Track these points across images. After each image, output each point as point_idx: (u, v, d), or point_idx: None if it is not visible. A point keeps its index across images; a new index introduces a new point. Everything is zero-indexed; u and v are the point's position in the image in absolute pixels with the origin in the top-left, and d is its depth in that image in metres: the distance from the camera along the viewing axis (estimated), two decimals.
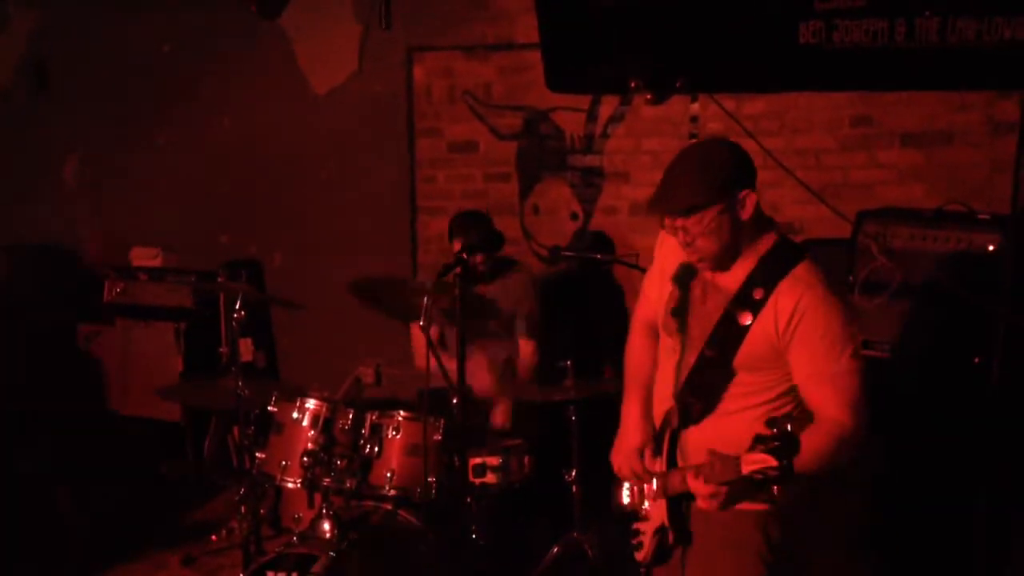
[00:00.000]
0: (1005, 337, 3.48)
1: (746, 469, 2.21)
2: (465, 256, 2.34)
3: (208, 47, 5.90)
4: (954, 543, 3.63)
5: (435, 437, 3.70)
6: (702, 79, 3.34)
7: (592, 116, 5.25)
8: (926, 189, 4.69)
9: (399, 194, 5.68)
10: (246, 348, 5.43)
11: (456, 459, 3.68)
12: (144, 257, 5.99)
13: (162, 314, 5.59)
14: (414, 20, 5.35)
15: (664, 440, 2.71)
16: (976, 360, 3.55)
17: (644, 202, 5.16)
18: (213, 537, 4.69)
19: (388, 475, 3.69)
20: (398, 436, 3.73)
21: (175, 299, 5.59)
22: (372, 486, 3.72)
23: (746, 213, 2.51)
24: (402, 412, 3.76)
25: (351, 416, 3.78)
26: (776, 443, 2.17)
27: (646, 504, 2.77)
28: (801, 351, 2.46)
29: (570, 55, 3.40)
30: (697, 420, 2.62)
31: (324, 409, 3.80)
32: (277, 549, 3.53)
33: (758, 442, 2.20)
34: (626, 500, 2.85)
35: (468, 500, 3.74)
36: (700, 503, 2.45)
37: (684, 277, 2.70)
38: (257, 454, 3.93)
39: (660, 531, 2.72)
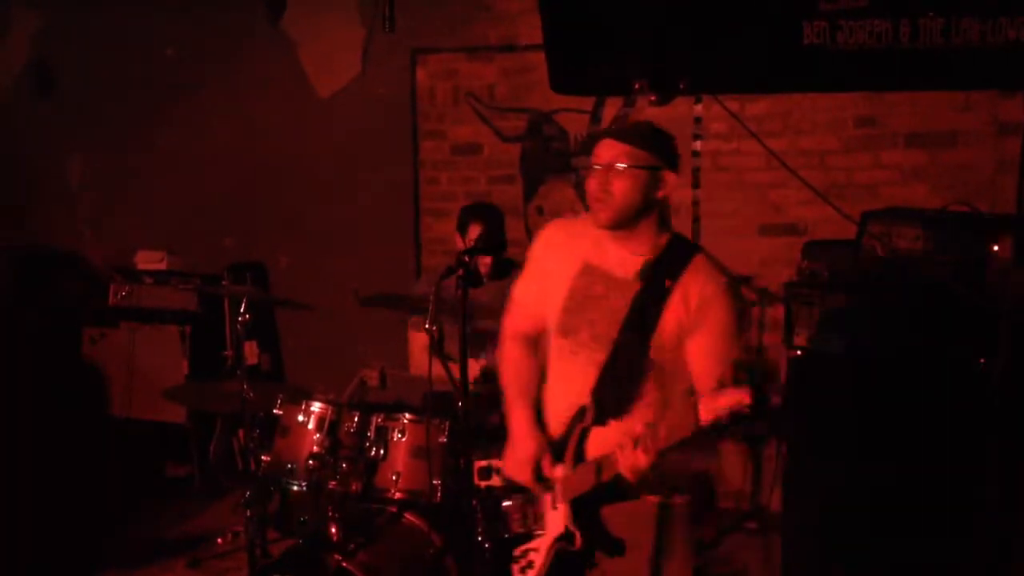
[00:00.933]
0: (1010, 338, 3.47)
1: (707, 417, 2.13)
2: (467, 258, 2.33)
3: (211, 50, 5.91)
4: (957, 545, 3.62)
5: (440, 439, 3.69)
6: (706, 80, 3.34)
7: (596, 118, 5.25)
8: (930, 189, 4.69)
9: (403, 196, 5.69)
10: (251, 351, 5.42)
11: (461, 461, 3.67)
12: (149, 260, 5.99)
13: (167, 317, 5.59)
14: (417, 22, 5.35)
15: (571, 441, 2.67)
16: (981, 361, 3.54)
17: None
18: (219, 540, 4.70)
19: (393, 478, 3.68)
20: (403, 439, 3.73)
21: (180, 302, 5.60)
22: (377, 488, 3.71)
23: (662, 192, 2.60)
24: (407, 415, 3.76)
25: (356, 419, 3.78)
26: (745, 374, 2.10)
27: (538, 521, 2.73)
28: (705, 335, 2.54)
29: (574, 56, 3.39)
30: (616, 415, 2.60)
31: (329, 412, 3.80)
32: (283, 552, 3.53)
33: (722, 385, 2.13)
34: (511, 525, 2.80)
35: (474, 503, 3.73)
36: (633, 477, 2.38)
37: (583, 276, 2.70)
38: (263, 457, 3.93)
39: (561, 539, 2.67)
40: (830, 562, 3.80)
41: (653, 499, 2.61)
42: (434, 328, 3.73)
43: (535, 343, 2.83)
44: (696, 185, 5.12)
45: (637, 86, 3.30)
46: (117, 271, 5.88)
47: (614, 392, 2.61)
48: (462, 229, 4.30)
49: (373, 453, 3.72)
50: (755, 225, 5.03)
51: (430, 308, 3.67)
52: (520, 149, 5.46)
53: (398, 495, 3.69)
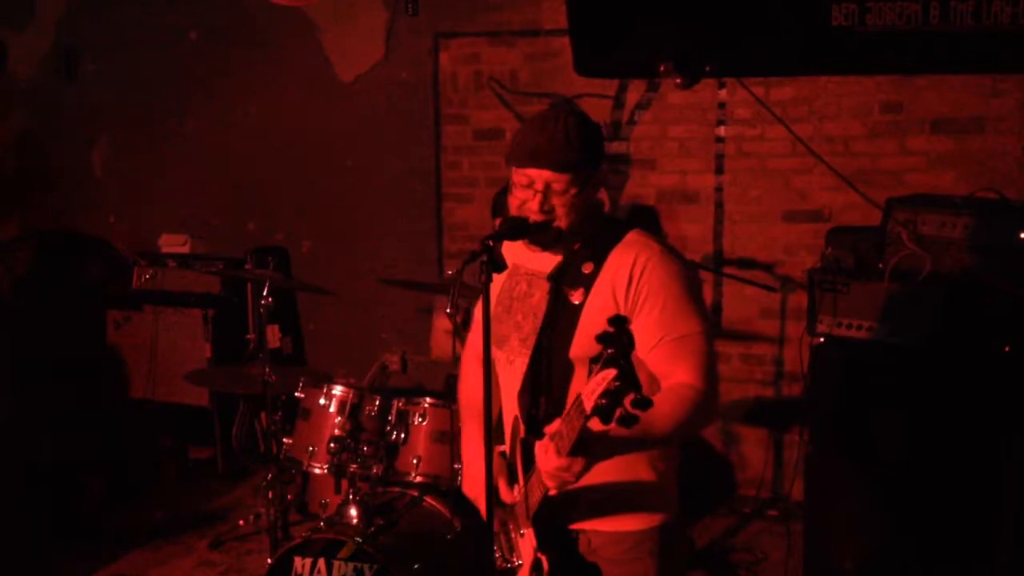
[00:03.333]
0: None
1: (590, 403, 1.89)
2: (491, 243, 2.30)
3: (235, 35, 5.92)
4: (979, 531, 3.60)
5: (460, 424, 3.69)
6: (733, 63, 3.31)
7: (619, 103, 5.22)
8: (956, 176, 4.64)
9: (425, 181, 5.68)
10: (273, 335, 5.45)
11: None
12: (172, 244, 6.03)
13: (190, 301, 5.62)
14: (440, 6, 5.34)
15: (516, 457, 2.43)
16: (1006, 349, 3.51)
17: (671, 189, 5.19)
18: (240, 522, 4.73)
19: (414, 461, 3.69)
20: (424, 423, 3.73)
21: (203, 286, 5.62)
22: (398, 472, 3.72)
23: (600, 191, 2.40)
24: (429, 399, 3.77)
25: (378, 402, 3.79)
26: (609, 351, 1.86)
27: (513, 552, 2.48)
28: (646, 317, 2.27)
29: (599, 38, 3.37)
30: (545, 423, 2.23)
31: (351, 395, 3.81)
32: (304, 534, 3.54)
33: (593, 364, 1.90)
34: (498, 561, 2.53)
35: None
36: (550, 483, 2.14)
37: (511, 277, 2.51)
38: (284, 440, 3.95)
39: (533, 570, 2.40)
40: (852, 550, 3.78)
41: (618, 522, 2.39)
42: (456, 312, 3.74)
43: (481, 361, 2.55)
44: (720, 171, 5.08)
45: (662, 68, 3.27)
46: (141, 255, 5.91)
47: (537, 401, 2.39)
48: (497, 213, 4.30)
49: (394, 437, 3.73)
50: (779, 211, 4.99)
51: (452, 292, 3.69)
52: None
53: (419, 479, 3.70)
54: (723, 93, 4.97)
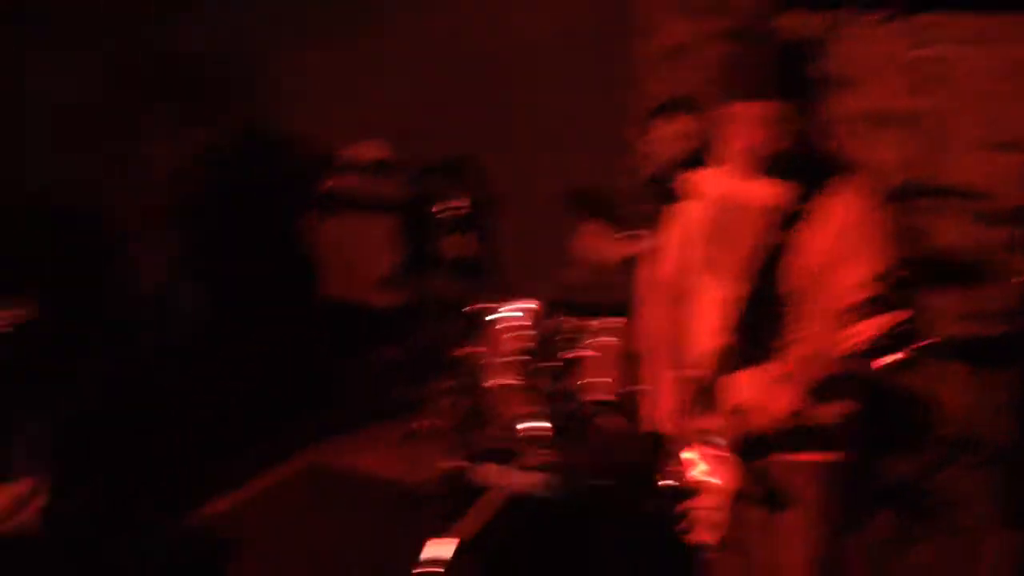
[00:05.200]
0: None
1: (856, 345, 1.97)
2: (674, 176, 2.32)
3: None
4: None
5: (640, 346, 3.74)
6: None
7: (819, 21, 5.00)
8: None
9: (610, 98, 5.62)
10: (458, 244, 5.60)
11: None
12: (367, 151, 6.21)
13: (381, 206, 5.83)
14: None
15: (715, 387, 2.53)
16: None
17: (871, 112, 4.96)
18: (426, 422, 4.97)
19: (594, 380, 3.78)
20: (605, 342, 3.81)
21: (393, 192, 5.82)
22: (576, 389, 3.83)
23: (801, 125, 2.40)
24: (611, 319, 3.83)
25: (558, 319, 3.88)
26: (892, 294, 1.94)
27: (697, 473, 2.55)
28: (855, 261, 2.30)
29: None
30: (756, 356, 2.42)
31: (532, 310, 3.92)
32: (485, 441, 3.71)
33: (867, 306, 1.96)
34: (671, 479, 2.63)
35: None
36: (772, 419, 2.25)
37: (721, 209, 2.54)
38: (467, 349, 4.10)
39: (733, 492, 2.49)
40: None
41: (805, 456, 2.46)
42: (637, 239, 3.77)
43: (675, 288, 2.69)
44: (921, 94, 4.82)
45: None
46: (337, 159, 6.13)
47: (753, 331, 2.45)
48: (652, 127, 4.27)
49: (572, 354, 3.82)
50: (986, 140, 4.72)
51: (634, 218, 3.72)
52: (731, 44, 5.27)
53: (598, 397, 3.80)
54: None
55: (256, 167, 6.54)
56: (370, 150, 6.17)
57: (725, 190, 2.55)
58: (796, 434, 2.44)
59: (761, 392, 2.28)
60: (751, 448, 2.47)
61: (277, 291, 6.05)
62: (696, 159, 2.42)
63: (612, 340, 3.80)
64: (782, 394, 2.24)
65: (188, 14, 6.44)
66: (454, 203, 4.16)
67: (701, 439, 2.56)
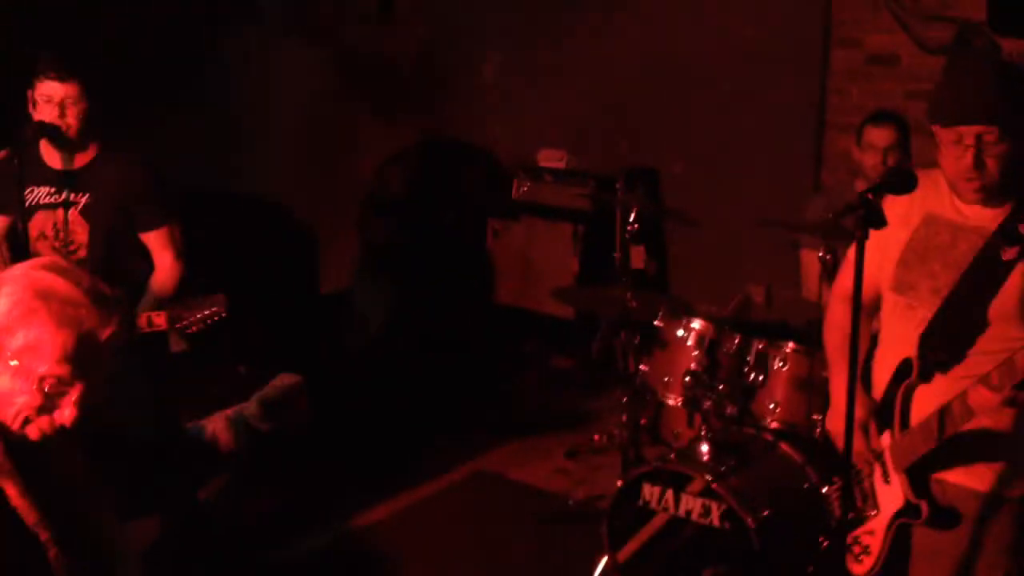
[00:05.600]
0: None
1: None
2: (870, 196, 2.16)
3: None
4: None
5: (823, 374, 3.53)
6: None
7: None
8: None
9: (806, 108, 5.40)
10: (638, 256, 5.50)
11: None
12: (550, 159, 6.21)
13: (562, 215, 5.81)
14: None
15: (896, 401, 2.44)
16: None
17: None
18: (595, 437, 4.90)
19: (771, 406, 3.61)
20: (785, 368, 3.63)
21: (575, 201, 5.78)
22: (753, 415, 3.66)
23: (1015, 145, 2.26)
24: (791, 343, 3.64)
25: (737, 341, 3.73)
26: None
27: (867, 501, 2.51)
28: None
29: None
30: (944, 369, 2.36)
31: (710, 330, 3.78)
32: (654, 462, 3.59)
33: None
34: (833, 511, 2.62)
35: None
36: (984, 416, 2.19)
37: (925, 226, 2.42)
38: (641, 366, 4.00)
39: (901, 514, 2.43)
40: None
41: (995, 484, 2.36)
42: (828, 257, 3.56)
43: (867, 308, 2.58)
44: None
45: None
46: (521, 167, 6.16)
47: (944, 345, 2.37)
48: (858, 137, 4.06)
49: (752, 378, 3.66)
50: None
51: (826, 234, 3.52)
52: (944, 63, 4.95)
53: (774, 424, 3.62)
54: None
55: (444, 172, 6.65)
56: (555, 158, 6.16)
57: (932, 209, 2.44)
58: (983, 460, 2.35)
59: (940, 404, 2.26)
60: (930, 470, 2.40)
61: (455, 296, 6.11)
62: (902, 174, 2.29)
63: (802, 363, 3.60)
64: (981, 394, 2.17)
65: (393, 23, 6.66)
66: (637, 214, 4.05)
67: (878, 459, 2.51)
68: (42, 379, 1.69)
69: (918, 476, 2.41)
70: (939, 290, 2.39)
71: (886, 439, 2.49)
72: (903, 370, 2.46)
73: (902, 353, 2.47)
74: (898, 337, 2.49)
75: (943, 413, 2.30)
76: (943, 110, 2.30)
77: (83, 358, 1.70)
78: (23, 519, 1.72)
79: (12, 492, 1.71)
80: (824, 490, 2.74)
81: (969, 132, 2.24)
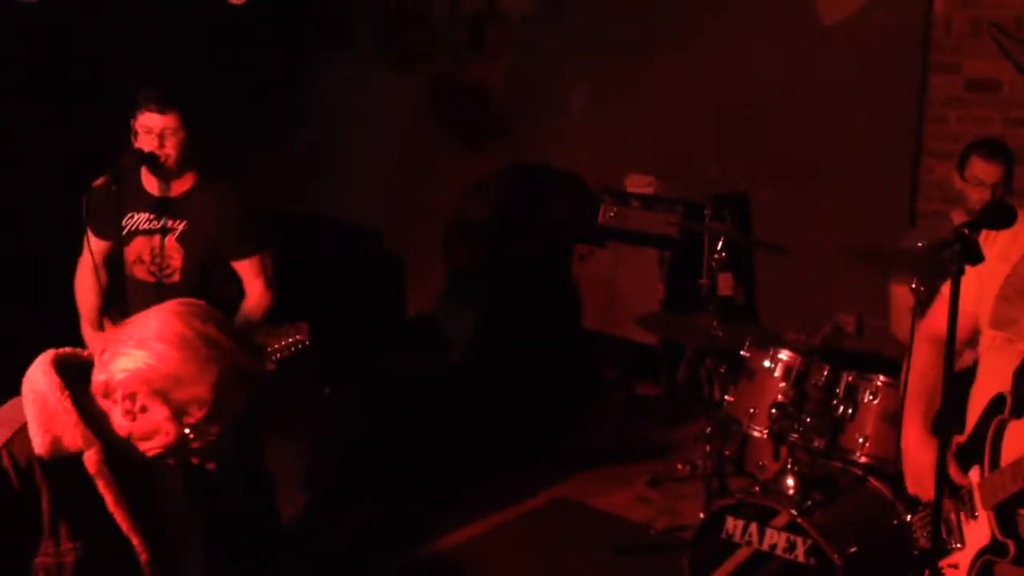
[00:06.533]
0: None
1: None
2: (966, 231, 2.09)
3: None
4: None
5: None
6: None
7: None
8: None
9: (903, 135, 5.27)
10: (725, 283, 5.42)
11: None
12: (638, 184, 6.17)
13: (649, 240, 5.77)
14: None
15: (986, 437, 2.37)
16: None
17: None
18: (679, 465, 4.85)
19: (860, 440, 3.52)
20: (875, 401, 3.54)
21: (662, 227, 5.74)
22: (842, 449, 3.58)
23: None
24: (882, 377, 3.55)
25: (825, 373, 3.65)
26: None
27: (952, 534, 2.46)
28: None
29: None
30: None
31: (798, 362, 3.71)
32: (739, 495, 3.54)
33: None
34: (919, 540, 2.58)
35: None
36: None
37: None
38: (726, 397, 3.94)
39: (987, 551, 2.37)
40: None
41: None
42: (923, 289, 3.46)
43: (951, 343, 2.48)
44: None
45: None
46: (608, 192, 6.14)
47: None
48: (961, 169, 3.92)
49: (840, 411, 3.58)
50: None
51: (921, 267, 3.42)
52: None
53: (863, 459, 3.54)
54: None
55: (530, 197, 6.67)
56: (641, 184, 6.13)
57: None
58: None
59: None
60: (1019, 508, 2.33)
61: (540, 321, 6.12)
62: (1001, 209, 2.21)
63: (893, 397, 3.50)
64: None
65: (483, 52, 6.73)
66: (725, 241, 4.01)
67: (967, 494, 2.45)
68: (192, 426, 1.79)
69: (1006, 514, 2.35)
70: None
71: (975, 475, 2.43)
72: (996, 405, 2.40)
73: (997, 388, 2.40)
74: (994, 372, 2.43)
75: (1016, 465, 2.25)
76: None
77: (225, 405, 1.79)
78: (118, 524, 1.82)
79: (109, 499, 1.80)
80: (908, 518, 2.70)
81: None
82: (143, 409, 1.76)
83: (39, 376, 1.80)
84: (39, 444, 1.75)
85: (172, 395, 1.75)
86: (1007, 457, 2.34)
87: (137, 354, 1.75)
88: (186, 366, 1.74)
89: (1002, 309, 2.39)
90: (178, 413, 1.76)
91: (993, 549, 2.37)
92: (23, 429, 1.77)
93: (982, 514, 2.40)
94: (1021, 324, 2.36)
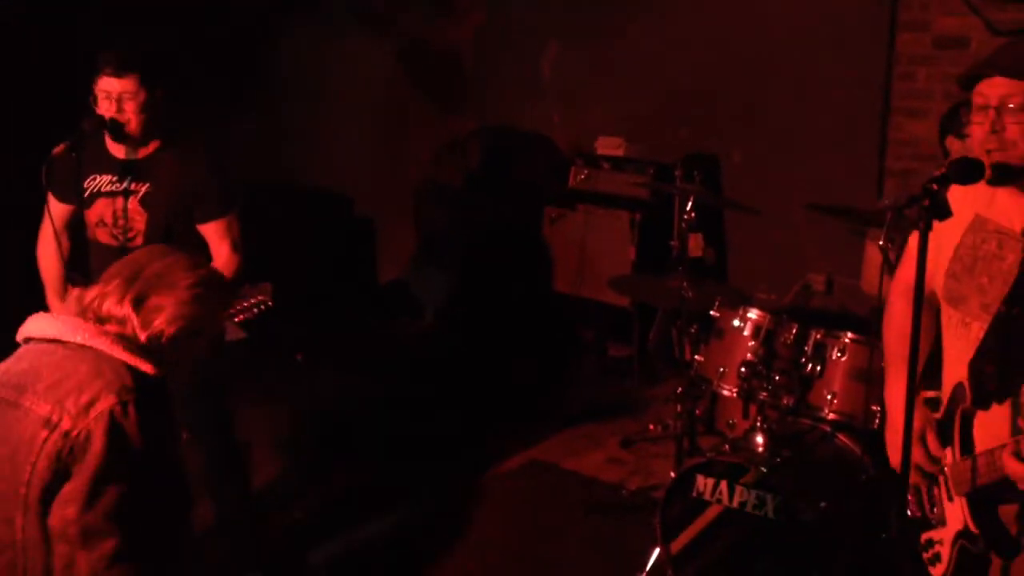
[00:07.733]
0: None
1: None
2: (935, 187, 2.07)
3: None
4: None
5: (882, 364, 3.46)
6: None
7: None
8: None
9: (871, 93, 5.27)
10: (696, 243, 5.44)
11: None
12: (608, 146, 6.15)
13: (620, 203, 5.76)
14: None
15: (954, 423, 2.29)
16: None
17: None
18: (651, 426, 4.88)
19: (828, 397, 3.54)
20: (843, 358, 3.55)
21: (632, 189, 5.73)
22: (810, 406, 3.60)
23: None
24: (850, 334, 3.57)
25: (794, 331, 3.66)
26: None
27: (934, 510, 2.37)
28: None
29: None
30: (1000, 398, 2.16)
31: (767, 321, 3.71)
32: (709, 453, 3.56)
33: None
34: (910, 507, 2.43)
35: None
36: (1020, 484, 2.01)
37: (973, 231, 2.25)
38: (696, 356, 3.95)
39: (962, 536, 2.28)
40: None
41: None
42: (889, 246, 3.47)
43: (930, 302, 2.39)
44: None
45: None
46: (578, 155, 6.12)
47: (997, 370, 2.18)
48: (944, 133, 3.90)
49: (809, 369, 3.59)
50: None
51: (887, 224, 3.42)
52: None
53: (831, 415, 3.55)
54: None
55: (501, 160, 6.65)
56: (611, 146, 6.11)
57: (981, 210, 2.27)
58: None
59: (998, 443, 2.08)
60: (995, 500, 2.23)
61: (511, 284, 6.11)
62: (969, 163, 2.15)
63: (861, 354, 3.52)
64: (1017, 464, 2.02)
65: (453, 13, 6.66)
66: (695, 202, 4.01)
67: (935, 469, 2.37)
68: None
69: (979, 504, 2.26)
70: (989, 305, 2.23)
71: (948, 457, 2.34)
72: (958, 393, 2.31)
73: (954, 370, 2.33)
74: (955, 357, 2.33)
75: (992, 458, 2.16)
76: (972, 69, 2.14)
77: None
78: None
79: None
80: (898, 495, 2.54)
81: (992, 91, 2.10)
82: None
83: (79, 327, 2.05)
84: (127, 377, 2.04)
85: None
86: (980, 444, 2.25)
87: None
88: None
89: (952, 285, 2.32)
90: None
91: (966, 536, 2.30)
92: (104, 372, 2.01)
93: (958, 499, 2.31)
94: (971, 302, 2.27)
